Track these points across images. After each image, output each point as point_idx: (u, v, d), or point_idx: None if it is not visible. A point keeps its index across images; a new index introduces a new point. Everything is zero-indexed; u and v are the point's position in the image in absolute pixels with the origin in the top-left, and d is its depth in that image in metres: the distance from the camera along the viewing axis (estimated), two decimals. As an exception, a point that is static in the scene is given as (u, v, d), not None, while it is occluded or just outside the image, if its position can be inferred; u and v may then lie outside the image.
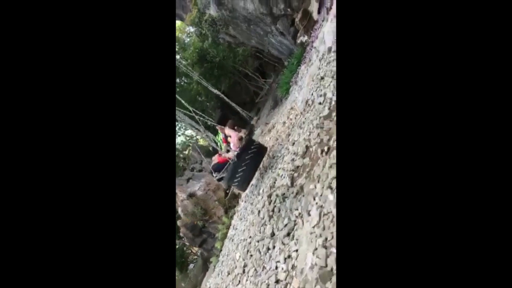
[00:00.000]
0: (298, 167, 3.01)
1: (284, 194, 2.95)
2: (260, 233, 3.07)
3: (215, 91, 6.00)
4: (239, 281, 2.97)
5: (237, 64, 10.63)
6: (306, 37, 6.98)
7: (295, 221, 2.37)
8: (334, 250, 1.46)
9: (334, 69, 3.55)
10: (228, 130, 4.38)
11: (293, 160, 3.24)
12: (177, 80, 12.40)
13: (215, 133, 4.99)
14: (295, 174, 2.98)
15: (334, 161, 2.15)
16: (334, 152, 2.25)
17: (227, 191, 4.75)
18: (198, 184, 7.26)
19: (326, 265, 1.45)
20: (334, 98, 3.04)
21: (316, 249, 1.63)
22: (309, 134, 3.21)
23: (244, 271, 2.99)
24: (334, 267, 1.39)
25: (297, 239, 2.11)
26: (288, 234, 2.38)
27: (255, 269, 2.68)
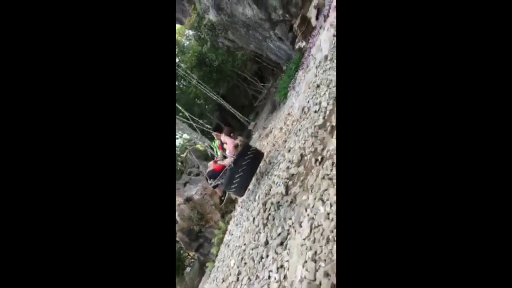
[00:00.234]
0: (292, 175, 3.03)
1: (278, 202, 2.97)
2: (254, 240, 3.08)
3: (214, 96, 6.02)
4: (233, 289, 2.98)
5: (235, 68, 10.68)
6: (304, 43, 7.03)
7: (288, 230, 2.38)
8: (323, 264, 1.48)
9: (330, 77, 3.58)
10: (224, 137, 4.40)
11: (288, 168, 3.26)
12: (176, 83, 12.44)
13: (212, 138, 5.00)
14: (290, 183, 2.99)
15: (327, 172, 2.17)
16: (327, 163, 2.27)
17: (222, 198, 4.75)
18: (195, 188, 7.27)
19: (315, 279, 1.47)
20: (329, 107, 3.06)
21: (306, 262, 1.64)
22: (304, 142, 3.23)
23: (238, 279, 3.00)
24: (323, 281, 1.41)
25: (289, 249, 2.12)
26: (281, 244, 2.39)
27: (249, 278, 2.68)
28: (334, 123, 2.71)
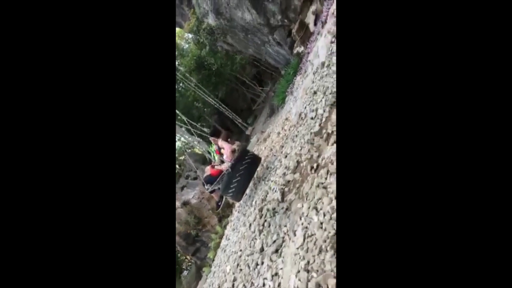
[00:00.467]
0: (288, 182, 3.04)
1: (274, 208, 2.97)
2: (250, 247, 3.08)
3: (212, 101, 6.04)
4: (228, 296, 2.97)
5: (234, 71, 10.72)
6: (302, 48, 7.08)
7: (283, 238, 2.39)
8: (315, 274, 1.49)
9: (327, 84, 3.60)
10: (221, 142, 4.40)
11: (284, 174, 3.27)
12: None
13: (210, 142, 5.01)
14: (286, 189, 3.00)
15: (322, 180, 2.19)
16: (322, 171, 2.28)
17: (219, 203, 4.75)
18: (193, 192, 7.26)
19: (307, 289, 1.48)
20: (325, 114, 3.08)
21: (298, 271, 1.65)
22: (301, 149, 3.24)
23: (233, 286, 3.00)
24: (315, 292, 1.42)
25: (283, 257, 2.13)
26: (276, 251, 2.39)
27: (244, 285, 2.68)
28: (330, 131, 2.73)
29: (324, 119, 3.03)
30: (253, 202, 4.09)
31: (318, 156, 2.65)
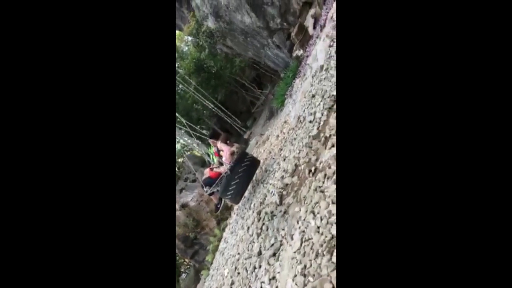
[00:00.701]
0: (287, 185, 3.05)
1: (272, 212, 2.98)
2: (248, 250, 3.08)
3: (210, 105, 6.06)
4: (226, 299, 2.97)
5: (234, 74, 10.75)
6: (301, 51, 7.11)
7: (281, 241, 2.39)
8: (311, 279, 1.49)
9: (325, 88, 3.62)
10: (220, 144, 4.41)
11: (282, 177, 3.27)
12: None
13: (209, 145, 5.02)
14: (284, 192, 3.00)
15: (319, 184, 2.19)
16: (319, 175, 2.28)
17: (218, 206, 4.74)
18: (191, 195, 7.25)
19: (304, 294, 1.48)
20: (323, 118, 3.09)
21: (295, 276, 1.65)
22: (299, 152, 3.25)
23: (231, 289, 2.99)
24: (312, 296, 1.42)
25: (281, 261, 2.12)
26: (274, 255, 2.39)
27: (241, 288, 2.68)
28: (328, 134, 2.74)
29: (322, 123, 3.04)
30: (252, 205, 4.08)
31: (316, 160, 2.65)
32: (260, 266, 2.54)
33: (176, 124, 4.17)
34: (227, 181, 3.98)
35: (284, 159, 3.82)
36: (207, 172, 4.50)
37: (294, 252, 1.83)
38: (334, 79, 3.48)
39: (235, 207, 5.79)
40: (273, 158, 4.64)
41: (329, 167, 2.18)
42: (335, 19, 4.36)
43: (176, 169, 10.41)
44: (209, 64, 9.96)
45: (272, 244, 2.51)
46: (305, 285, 1.50)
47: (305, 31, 6.97)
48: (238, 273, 2.98)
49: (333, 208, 1.74)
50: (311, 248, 1.66)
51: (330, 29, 4.49)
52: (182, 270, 11.78)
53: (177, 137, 4.74)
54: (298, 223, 2.06)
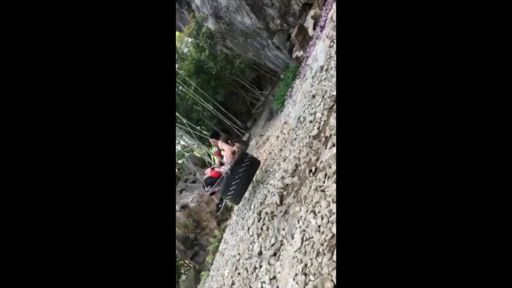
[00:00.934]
0: (287, 185, 3.04)
1: (273, 212, 2.97)
2: (248, 250, 3.07)
3: (209, 106, 6.07)
4: (226, 300, 2.96)
5: (233, 75, 10.76)
6: (301, 52, 7.12)
7: (281, 241, 2.39)
8: (312, 278, 1.48)
9: (325, 88, 3.62)
10: (221, 144, 4.41)
11: (283, 177, 3.27)
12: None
13: (209, 145, 5.02)
14: (284, 193, 3.00)
15: (320, 183, 2.19)
16: (320, 174, 2.28)
17: (219, 206, 4.74)
18: (191, 196, 7.24)
19: (305, 293, 1.47)
20: (324, 118, 3.10)
21: (296, 275, 1.64)
22: (299, 152, 3.25)
23: (231, 290, 2.98)
24: (313, 295, 1.41)
25: (282, 261, 2.12)
26: (275, 255, 2.39)
27: (242, 289, 2.67)
28: (328, 134, 2.74)
29: (322, 123, 3.04)
30: (252, 206, 4.08)
31: (317, 160, 2.65)
32: (260, 266, 2.54)
33: (177, 124, 4.18)
34: (228, 182, 3.99)
35: (284, 160, 3.82)
36: (208, 171, 4.50)
37: (295, 251, 1.83)
38: (334, 80, 3.49)
39: (235, 208, 5.79)
40: (273, 159, 4.64)
41: (330, 167, 2.18)
42: (335, 19, 4.37)
43: (176, 170, 10.40)
44: (209, 65, 9.97)
45: (273, 244, 2.50)
46: (306, 284, 1.50)
47: (305, 32, 6.99)
48: (239, 274, 2.97)
49: (333, 207, 1.74)
50: (312, 247, 1.65)
51: (330, 30, 4.50)
52: (182, 271, 11.75)
53: (177, 138, 4.74)
54: (298, 222, 2.06)
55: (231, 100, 13.23)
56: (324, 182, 2.12)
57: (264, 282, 2.26)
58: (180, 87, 10.75)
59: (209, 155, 4.77)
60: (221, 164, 4.38)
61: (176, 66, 11.00)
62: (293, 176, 3.02)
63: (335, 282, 1.32)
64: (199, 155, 9.01)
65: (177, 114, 4.49)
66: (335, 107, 3.04)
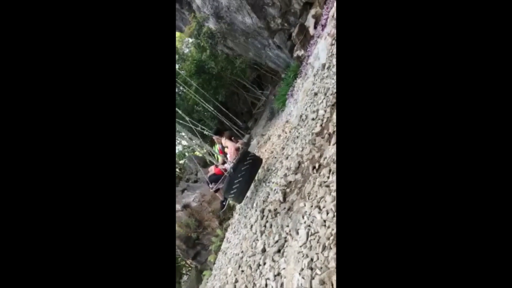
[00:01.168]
0: (290, 182, 3.04)
1: (276, 209, 2.97)
2: (252, 248, 3.06)
3: (210, 107, 6.08)
4: (230, 298, 2.95)
5: (234, 75, 10.76)
6: (302, 51, 7.12)
7: (285, 238, 2.38)
8: (318, 271, 1.48)
9: (327, 86, 3.62)
10: (225, 141, 4.41)
11: (285, 175, 3.27)
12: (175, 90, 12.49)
13: (212, 144, 5.02)
14: (287, 190, 3.00)
15: (324, 179, 2.19)
16: (324, 170, 2.28)
17: (224, 203, 4.74)
18: (193, 195, 7.24)
19: (311, 287, 1.47)
20: (327, 115, 3.09)
21: (302, 269, 1.64)
22: (302, 150, 3.25)
23: (235, 287, 2.97)
24: (319, 289, 1.41)
25: (286, 257, 2.11)
26: (279, 251, 2.38)
27: (246, 286, 2.66)
28: (331, 131, 2.74)
29: (325, 120, 3.04)
30: (254, 204, 4.08)
31: (320, 156, 2.65)
32: (264, 263, 2.53)
33: (180, 121, 4.18)
34: (230, 180, 3.99)
35: (287, 158, 3.82)
36: (212, 169, 4.50)
37: (300, 247, 1.82)
38: (336, 77, 3.49)
39: (237, 207, 5.78)
40: (275, 158, 4.64)
41: (334, 162, 2.17)
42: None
43: (178, 170, 10.41)
44: (210, 65, 9.97)
45: (277, 241, 2.50)
46: (312, 278, 1.49)
47: (306, 31, 6.99)
48: (242, 271, 2.96)
49: (336, 203, 1.74)
50: (317, 242, 1.65)
51: (331, 28, 4.50)
52: (183, 272, 11.73)
53: (178, 138, 4.74)
54: (303, 218, 2.06)
55: (232, 100, 13.23)
56: (328, 177, 2.12)
57: (268, 278, 2.25)
58: (181, 88, 10.76)
59: (211, 154, 4.76)
60: (225, 162, 4.38)
61: (177, 67, 11.01)
62: (296, 174, 3.01)
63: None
64: (200, 155, 9.02)
65: (179, 111, 4.48)
66: (338, 104, 3.04)
